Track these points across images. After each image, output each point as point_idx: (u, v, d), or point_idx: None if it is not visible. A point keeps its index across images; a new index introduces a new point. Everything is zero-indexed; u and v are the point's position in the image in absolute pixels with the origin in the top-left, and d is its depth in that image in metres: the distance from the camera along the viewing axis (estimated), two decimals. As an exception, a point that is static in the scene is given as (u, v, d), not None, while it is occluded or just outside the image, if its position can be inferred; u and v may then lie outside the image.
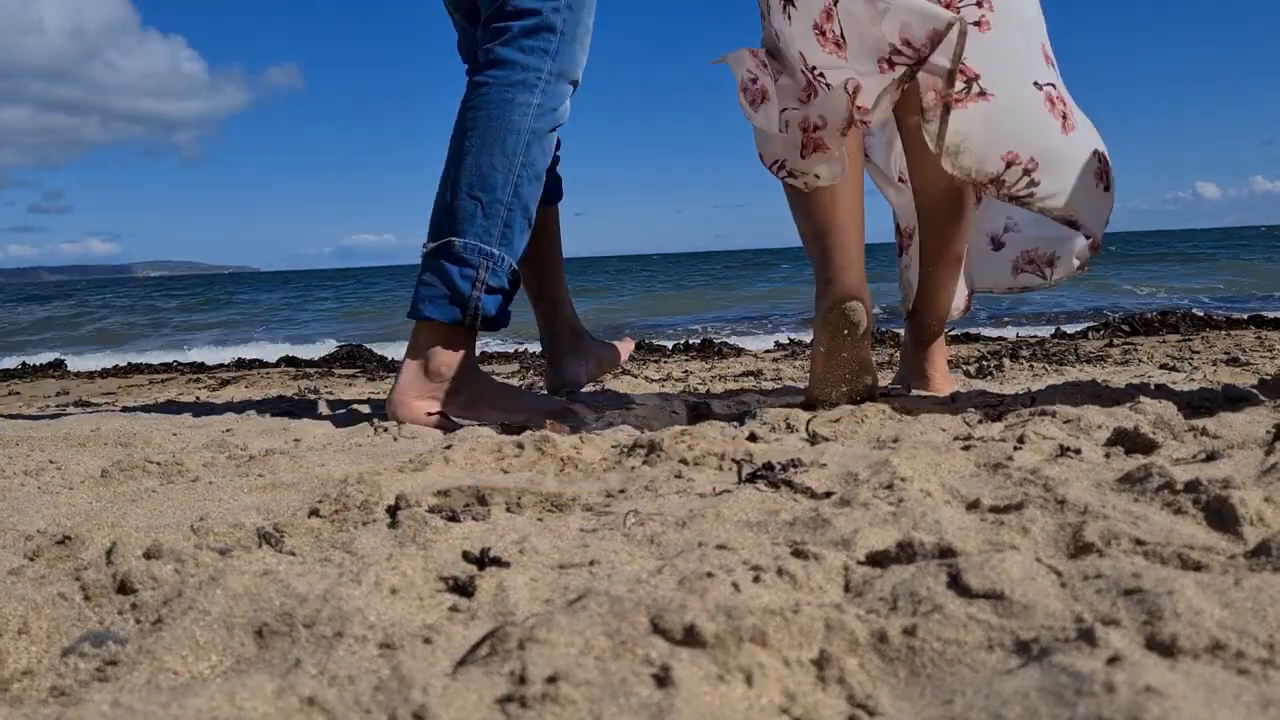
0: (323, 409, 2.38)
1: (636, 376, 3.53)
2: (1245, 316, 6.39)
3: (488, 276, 1.59)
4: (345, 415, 2.18)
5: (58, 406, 3.24)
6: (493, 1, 1.56)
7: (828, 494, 1.16)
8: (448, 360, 1.64)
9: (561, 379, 2.06)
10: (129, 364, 6.37)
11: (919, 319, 2.17)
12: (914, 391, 2.14)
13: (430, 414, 1.64)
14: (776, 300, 13.03)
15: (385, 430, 1.81)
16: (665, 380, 3.28)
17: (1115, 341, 5.07)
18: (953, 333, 5.94)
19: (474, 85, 1.58)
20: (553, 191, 1.86)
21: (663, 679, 0.56)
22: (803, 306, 11.38)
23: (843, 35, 1.53)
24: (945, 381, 2.21)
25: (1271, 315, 6.34)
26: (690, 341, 5.94)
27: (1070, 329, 6.36)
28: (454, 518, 1.08)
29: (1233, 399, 1.80)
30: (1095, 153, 1.78)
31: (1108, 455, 1.33)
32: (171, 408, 2.81)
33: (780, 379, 3.38)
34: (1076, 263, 2.05)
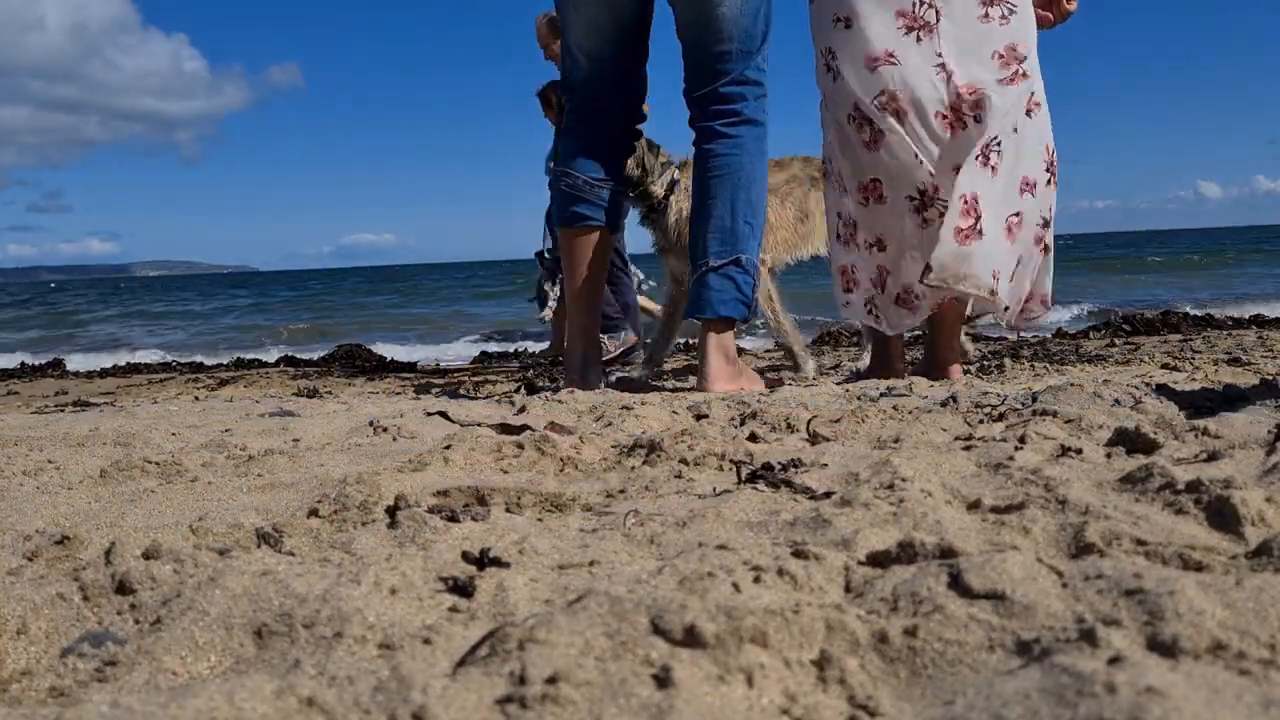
0: (322, 409, 2.38)
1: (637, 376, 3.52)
2: (1247, 316, 6.39)
3: (756, 281, 2.06)
4: (345, 415, 2.18)
5: (56, 406, 3.24)
6: (725, 72, 1.93)
7: (828, 494, 1.16)
8: (732, 345, 2.10)
9: (586, 383, 2.29)
10: (128, 364, 6.37)
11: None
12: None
13: (732, 388, 2.07)
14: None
15: (385, 430, 1.81)
16: (665, 379, 3.27)
17: (1116, 341, 5.07)
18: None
19: (730, 136, 1.98)
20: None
21: (663, 679, 0.56)
22: (803, 307, 11.37)
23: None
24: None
25: (1273, 315, 6.33)
26: (690, 341, 5.94)
27: (1071, 329, 6.36)
28: (454, 518, 1.08)
29: (1234, 399, 1.80)
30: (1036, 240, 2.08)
31: (1109, 455, 1.33)
32: (170, 408, 2.81)
33: (780, 378, 3.38)
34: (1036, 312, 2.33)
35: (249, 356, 6.50)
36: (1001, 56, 1.78)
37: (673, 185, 3.11)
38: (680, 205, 3.13)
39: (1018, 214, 1.85)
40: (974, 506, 1.05)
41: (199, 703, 0.52)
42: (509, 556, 0.88)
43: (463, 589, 0.78)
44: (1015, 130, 1.78)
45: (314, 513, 1.13)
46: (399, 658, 0.60)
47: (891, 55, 1.78)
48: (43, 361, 6.46)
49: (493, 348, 7.34)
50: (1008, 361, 3.72)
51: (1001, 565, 0.69)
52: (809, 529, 0.97)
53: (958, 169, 1.81)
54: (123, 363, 6.56)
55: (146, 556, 0.87)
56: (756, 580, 0.74)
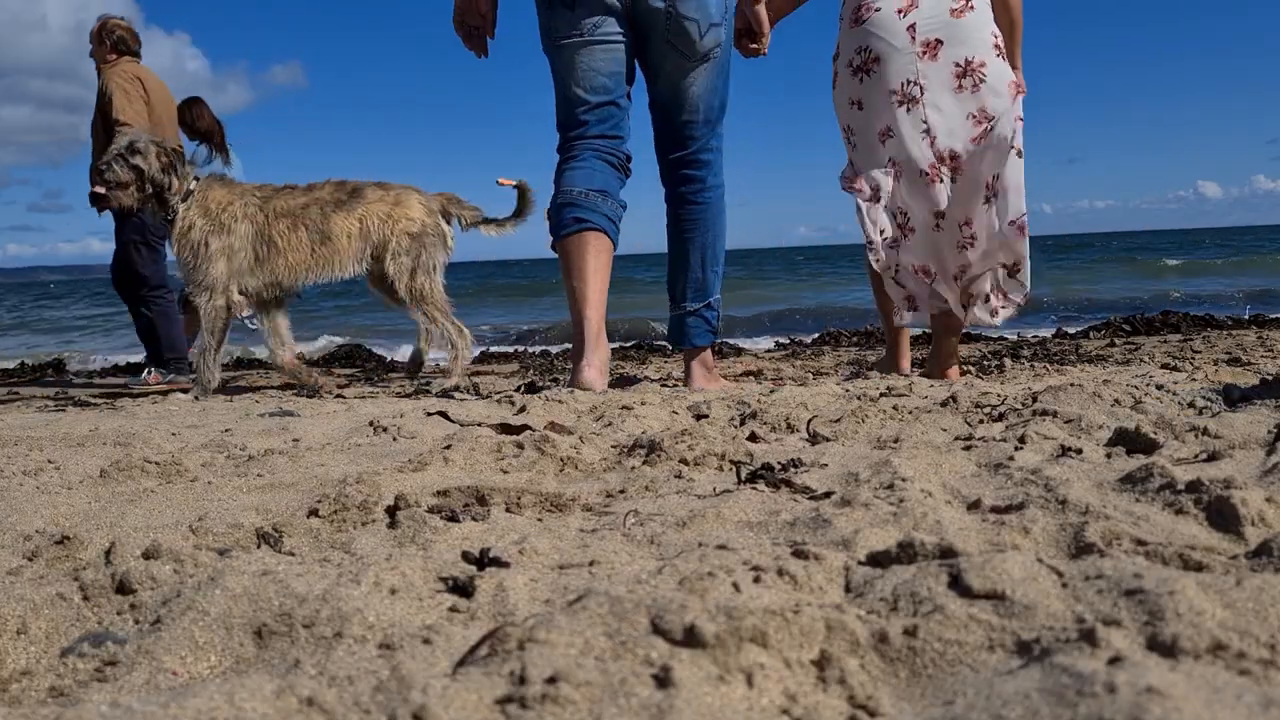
0: (322, 409, 2.38)
1: (637, 376, 3.53)
2: (1247, 316, 6.39)
3: (720, 313, 2.55)
4: (345, 415, 2.18)
5: (56, 406, 3.24)
6: (705, 141, 2.35)
7: (828, 494, 1.16)
8: (709, 358, 2.57)
9: (594, 386, 2.47)
10: (128, 364, 6.36)
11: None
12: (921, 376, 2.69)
13: (712, 385, 2.51)
14: (777, 300, 13.02)
15: (385, 430, 1.81)
16: (665, 380, 3.27)
17: (1116, 341, 5.07)
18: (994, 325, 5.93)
19: (698, 204, 2.40)
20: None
21: (663, 679, 0.56)
22: (803, 306, 11.39)
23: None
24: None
25: (1273, 315, 6.33)
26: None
27: (1071, 328, 6.36)
28: (454, 518, 1.08)
29: (1234, 399, 1.80)
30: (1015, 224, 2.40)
31: (1109, 455, 1.33)
32: (170, 408, 2.81)
33: (781, 377, 3.38)
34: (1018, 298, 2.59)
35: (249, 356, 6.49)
36: (974, 117, 2.28)
37: (188, 195, 3.36)
38: (190, 218, 3.31)
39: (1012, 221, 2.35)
40: (974, 506, 1.05)
41: (199, 703, 0.52)
42: (509, 556, 0.88)
43: (463, 589, 0.78)
44: (995, 177, 2.28)
45: (314, 513, 1.13)
46: (399, 658, 0.60)
47: (889, 130, 2.29)
48: (42, 361, 6.46)
49: (493, 349, 7.35)
50: (1008, 361, 3.72)
51: (1001, 565, 0.69)
52: (809, 529, 0.97)
53: (939, 214, 2.36)
54: (123, 362, 6.56)
55: (146, 556, 0.87)
56: (756, 580, 0.74)
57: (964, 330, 2.72)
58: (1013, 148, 2.22)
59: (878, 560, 0.83)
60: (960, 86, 2.24)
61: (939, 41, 2.23)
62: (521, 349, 6.93)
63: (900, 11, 2.23)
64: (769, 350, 5.79)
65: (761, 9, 2.35)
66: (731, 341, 6.05)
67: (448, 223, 3.55)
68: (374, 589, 0.75)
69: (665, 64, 2.23)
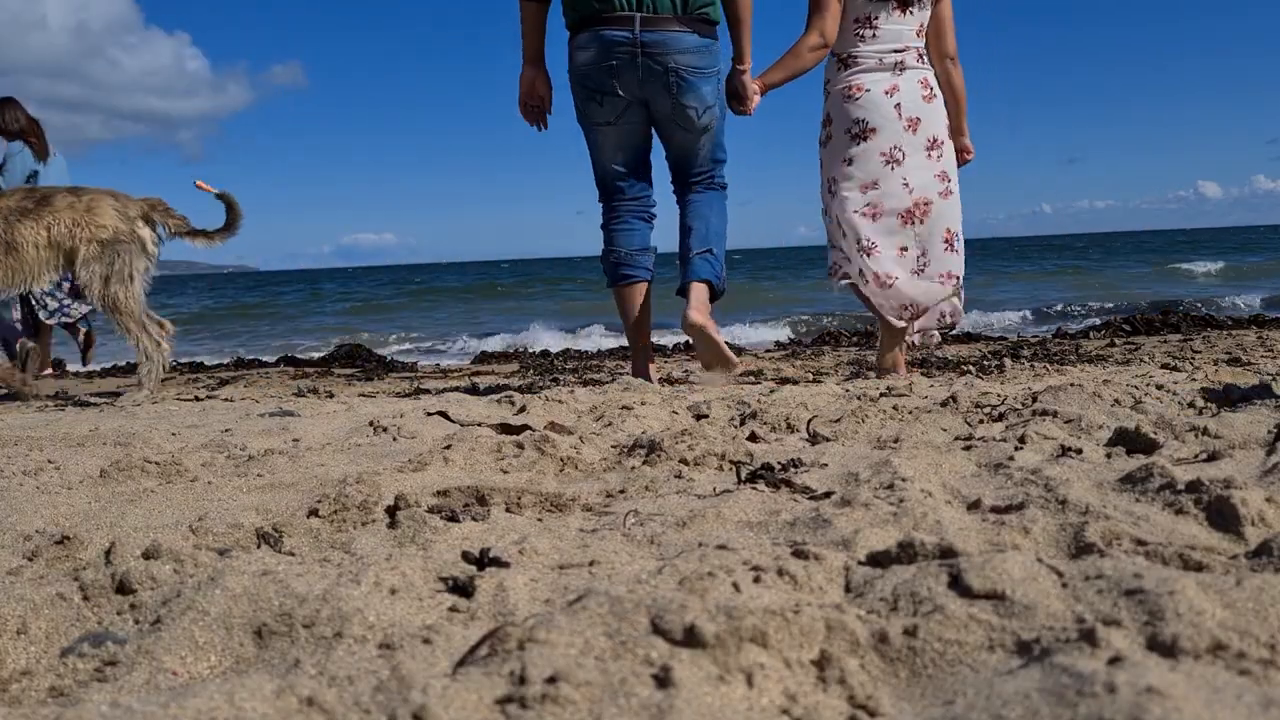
0: (322, 409, 2.38)
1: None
2: (1247, 316, 6.40)
3: (723, 272, 2.99)
4: (345, 415, 2.18)
5: (56, 406, 3.24)
6: (705, 175, 3.03)
7: (828, 494, 1.16)
8: (706, 299, 2.90)
9: (651, 377, 3.00)
10: (128, 364, 6.36)
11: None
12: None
13: (704, 322, 2.84)
14: (777, 300, 13.01)
15: (385, 430, 1.81)
16: (666, 380, 3.27)
17: (1116, 341, 5.07)
18: (953, 332, 5.95)
19: (703, 192, 3.01)
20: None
21: (663, 679, 0.56)
22: (802, 306, 11.38)
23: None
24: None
25: (1273, 315, 6.34)
26: (691, 341, 5.93)
27: (1072, 328, 6.37)
28: (454, 518, 1.08)
29: (1234, 399, 1.80)
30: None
31: (1109, 455, 1.33)
32: (170, 408, 2.81)
33: (781, 377, 3.38)
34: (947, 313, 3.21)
35: (249, 356, 6.50)
36: (939, 176, 3.07)
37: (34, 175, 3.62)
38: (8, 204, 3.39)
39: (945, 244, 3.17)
40: (974, 506, 1.05)
41: (199, 703, 0.52)
42: (509, 556, 0.88)
43: (463, 589, 0.78)
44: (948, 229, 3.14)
45: (314, 513, 1.13)
46: (399, 658, 0.60)
47: (875, 183, 3.04)
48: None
49: (493, 348, 7.34)
50: (1008, 361, 3.72)
51: (1001, 565, 0.69)
52: (809, 529, 0.97)
53: (902, 248, 3.10)
54: (122, 362, 6.56)
55: (146, 556, 0.87)
56: (756, 580, 0.74)
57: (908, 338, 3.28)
58: (954, 194, 3.15)
59: (878, 560, 0.83)
60: (930, 155, 3.07)
61: (919, 119, 3.04)
62: (522, 349, 6.93)
63: (887, 93, 3.02)
64: (769, 350, 5.79)
65: (748, 79, 2.99)
66: (732, 341, 6.05)
67: (151, 229, 3.50)
68: (374, 589, 0.75)
69: (675, 136, 2.95)
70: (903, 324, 3.09)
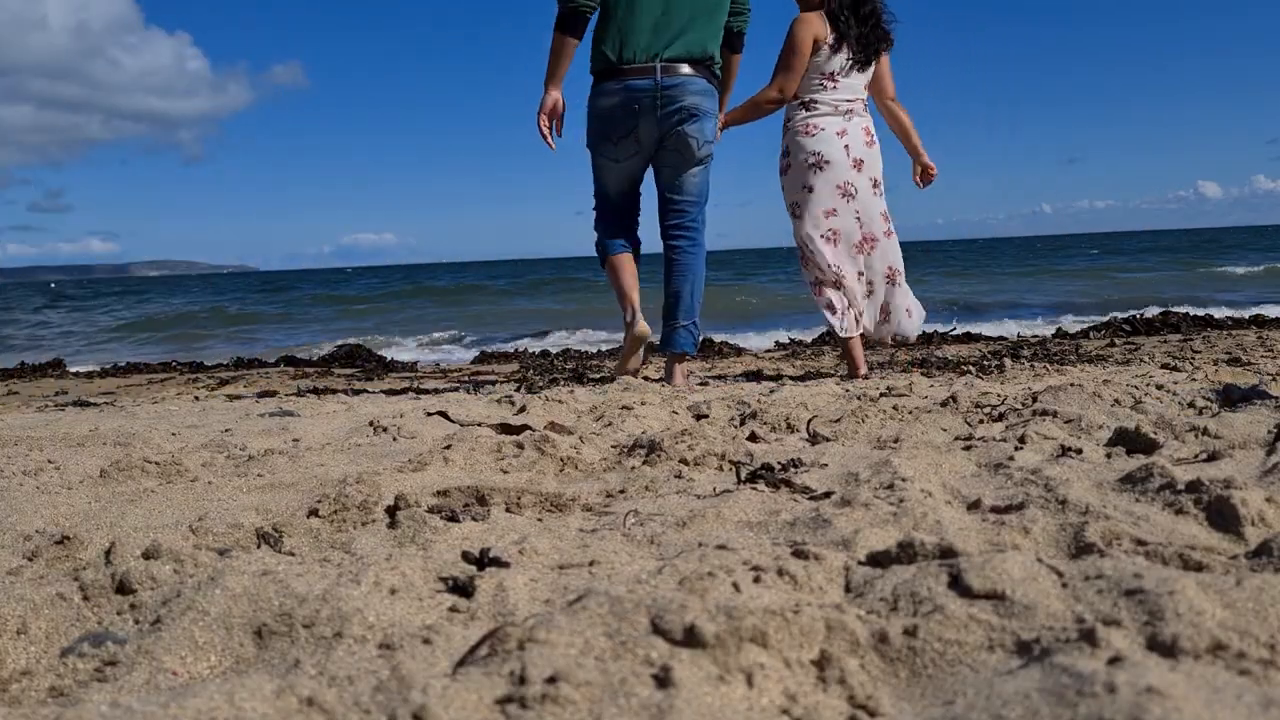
0: (322, 409, 2.38)
1: (637, 376, 3.52)
2: (1247, 316, 6.40)
3: (699, 334, 3.37)
4: (345, 415, 2.18)
5: (56, 406, 3.24)
6: (694, 215, 3.34)
7: (828, 494, 1.16)
8: (688, 368, 3.43)
9: (648, 330, 3.33)
10: (128, 363, 6.36)
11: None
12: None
13: (685, 386, 3.14)
14: (777, 300, 13.01)
15: (385, 430, 1.81)
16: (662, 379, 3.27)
17: (1116, 341, 5.07)
18: (954, 332, 5.95)
19: (695, 245, 3.35)
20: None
21: (663, 679, 0.56)
22: (803, 306, 11.38)
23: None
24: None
25: (1273, 315, 6.34)
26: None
27: (1072, 328, 6.37)
28: (454, 518, 1.08)
29: (1234, 399, 1.80)
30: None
31: (1109, 455, 1.33)
32: (170, 408, 2.81)
33: (781, 377, 3.37)
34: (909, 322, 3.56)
35: (250, 356, 6.49)
36: (883, 215, 3.45)
37: None
38: None
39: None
40: (974, 506, 1.05)
41: (199, 703, 0.52)
42: (509, 556, 0.88)
43: (463, 589, 0.78)
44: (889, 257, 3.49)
45: (314, 513, 1.13)
46: (399, 658, 0.60)
47: (833, 211, 3.37)
48: (43, 361, 6.46)
49: (494, 348, 7.34)
50: (1008, 361, 3.72)
51: (1001, 565, 0.69)
52: (809, 529, 0.97)
53: (860, 273, 3.46)
54: (122, 362, 6.56)
55: (146, 556, 0.87)
56: (756, 580, 0.74)
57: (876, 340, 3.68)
58: (894, 234, 3.50)
59: (878, 560, 0.83)
60: (875, 193, 3.42)
61: (862, 161, 3.39)
62: (522, 349, 6.93)
63: (839, 134, 3.38)
64: (769, 350, 5.79)
65: (719, 114, 3.37)
66: (732, 341, 6.04)
67: None
68: (374, 589, 0.75)
69: (671, 163, 3.29)
70: (857, 335, 3.45)
